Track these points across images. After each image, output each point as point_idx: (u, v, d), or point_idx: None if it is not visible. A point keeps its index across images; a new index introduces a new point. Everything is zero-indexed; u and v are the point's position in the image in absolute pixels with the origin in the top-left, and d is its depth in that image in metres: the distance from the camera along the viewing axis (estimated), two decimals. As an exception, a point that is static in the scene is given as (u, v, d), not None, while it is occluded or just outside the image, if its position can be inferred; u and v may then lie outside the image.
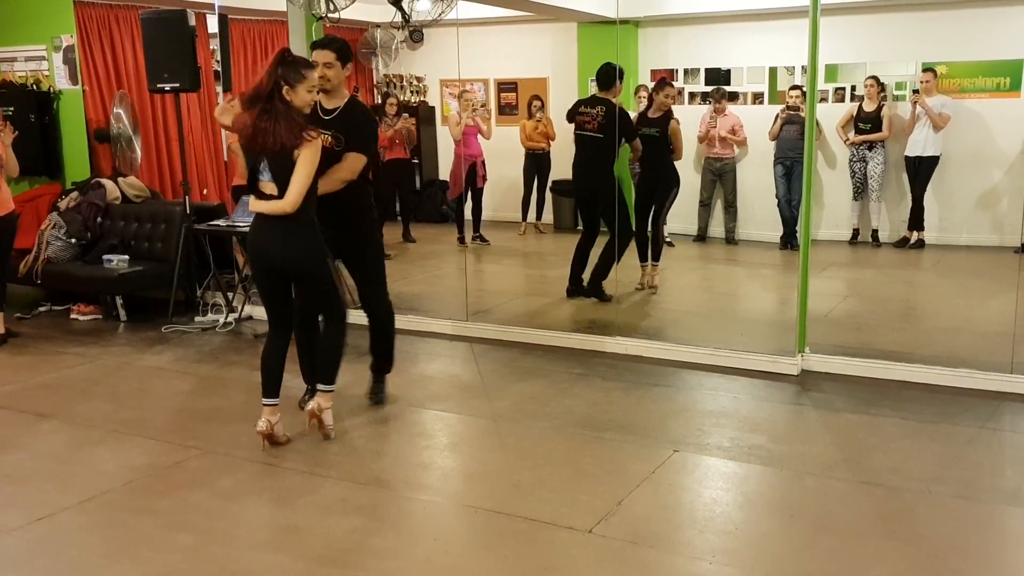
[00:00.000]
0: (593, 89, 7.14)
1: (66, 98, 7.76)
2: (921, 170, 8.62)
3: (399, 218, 10.14)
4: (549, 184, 10.14)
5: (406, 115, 10.06)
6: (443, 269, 8.87)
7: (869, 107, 8.88)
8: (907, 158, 8.73)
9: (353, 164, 4.33)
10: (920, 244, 8.71)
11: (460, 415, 4.73)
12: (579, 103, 6.92)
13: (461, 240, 9.54)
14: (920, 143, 8.58)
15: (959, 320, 6.50)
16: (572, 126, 6.91)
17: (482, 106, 10.11)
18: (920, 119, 8.53)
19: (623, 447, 4.19)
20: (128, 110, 7.89)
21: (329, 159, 4.21)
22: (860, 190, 9.00)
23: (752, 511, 3.57)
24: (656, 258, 7.23)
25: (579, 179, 7.01)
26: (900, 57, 8.99)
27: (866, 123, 8.88)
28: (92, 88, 7.94)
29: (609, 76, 6.69)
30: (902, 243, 8.81)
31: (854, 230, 9.11)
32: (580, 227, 7.26)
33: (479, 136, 9.37)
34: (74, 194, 7.27)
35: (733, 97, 9.56)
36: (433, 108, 11.45)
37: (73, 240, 6.96)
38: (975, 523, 3.42)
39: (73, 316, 6.89)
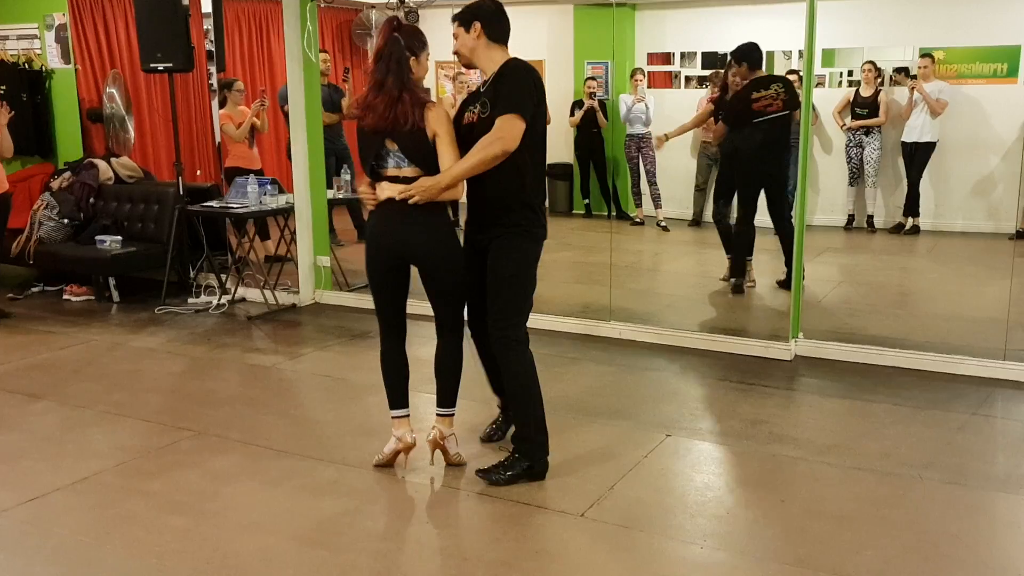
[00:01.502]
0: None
1: (58, 77, 7.71)
2: (917, 156, 8.60)
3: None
4: (545, 167, 10.09)
5: None
6: (438, 252, 8.83)
7: (866, 92, 8.86)
8: (903, 144, 8.71)
9: (500, 129, 3.42)
10: (915, 230, 8.71)
11: (453, 398, 4.72)
12: (749, 90, 6.40)
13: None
14: (917, 129, 8.56)
15: (953, 306, 6.51)
16: (730, 115, 6.55)
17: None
18: (917, 105, 8.51)
19: (616, 431, 4.19)
20: (121, 90, 7.84)
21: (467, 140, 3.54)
22: (856, 175, 8.99)
23: (743, 495, 3.58)
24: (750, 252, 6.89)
25: (760, 163, 6.46)
26: (898, 42, 8.96)
27: (863, 108, 8.86)
28: (85, 67, 7.89)
29: (760, 52, 6.44)
30: (897, 229, 8.81)
31: (849, 216, 9.11)
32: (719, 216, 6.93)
33: (474, 118, 9.32)
34: (67, 174, 7.23)
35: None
36: (428, 90, 11.37)
37: (66, 220, 6.93)
38: (966, 509, 3.43)
39: (66, 297, 6.87)
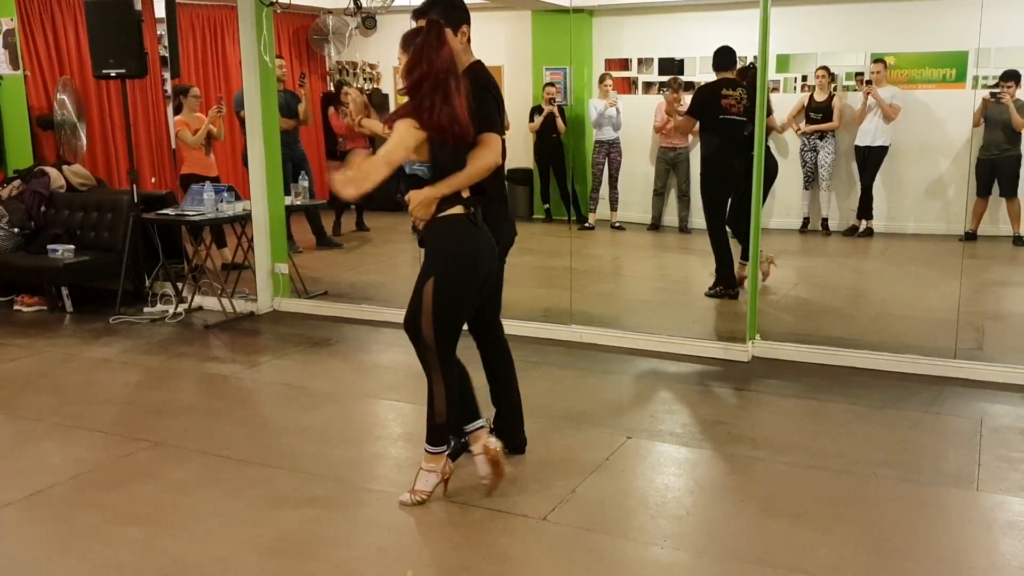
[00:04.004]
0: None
1: (7, 83, 7.55)
2: (870, 160, 8.76)
3: (352, 207, 10.07)
4: (504, 172, 10.12)
5: (366, 100, 9.95)
6: (398, 258, 8.81)
7: (820, 97, 9.01)
8: (857, 148, 8.87)
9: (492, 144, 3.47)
10: (869, 232, 8.86)
11: (414, 404, 4.70)
12: (718, 86, 6.47)
13: (415, 229, 9.48)
14: (870, 133, 8.72)
15: (905, 307, 6.64)
16: (699, 112, 6.54)
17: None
18: (871, 109, 8.67)
19: (577, 435, 4.21)
20: (72, 96, 7.71)
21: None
22: (811, 179, 9.13)
23: (703, 496, 3.62)
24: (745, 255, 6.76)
25: (732, 166, 6.37)
26: (850, 48, 9.12)
27: (817, 113, 9.00)
28: (34, 73, 7.74)
29: (732, 56, 6.48)
30: (851, 231, 8.96)
31: (804, 219, 9.24)
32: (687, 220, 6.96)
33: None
34: (16, 182, 7.09)
35: (688, 87, 9.63)
36: (387, 96, 11.36)
37: (16, 230, 6.79)
38: (918, 505, 3.50)
39: (17, 308, 6.73)
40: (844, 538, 3.23)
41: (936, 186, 8.86)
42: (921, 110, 8.79)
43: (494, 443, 3.52)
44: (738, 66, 6.61)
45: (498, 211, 3.67)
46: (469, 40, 3.70)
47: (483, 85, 3.53)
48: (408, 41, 3.37)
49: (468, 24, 3.67)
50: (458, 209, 3.36)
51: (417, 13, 3.60)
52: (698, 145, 9.45)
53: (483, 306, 3.63)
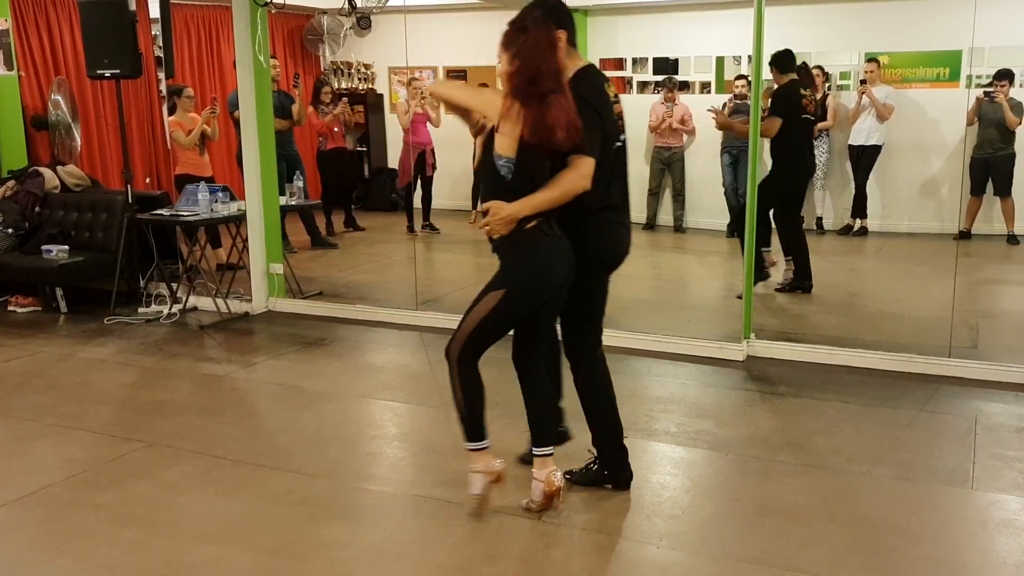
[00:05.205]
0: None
1: (1, 84, 7.53)
2: (864, 159, 8.78)
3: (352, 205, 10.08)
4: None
5: (345, 99, 9.95)
6: (393, 258, 8.82)
7: (814, 96, 9.02)
8: (850, 147, 8.88)
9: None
10: (863, 231, 8.88)
11: (409, 404, 4.71)
12: (796, 87, 6.52)
13: (410, 229, 9.49)
14: (864, 132, 8.74)
15: (900, 306, 6.65)
16: (785, 112, 6.47)
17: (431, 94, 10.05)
18: (865, 109, 8.68)
19: (572, 434, 4.20)
20: (67, 96, 7.69)
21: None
22: (805, 178, 9.13)
23: (698, 495, 3.62)
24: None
25: (809, 164, 6.78)
26: (844, 47, 9.14)
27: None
28: (29, 74, 7.74)
29: (795, 57, 6.56)
30: (845, 230, 8.98)
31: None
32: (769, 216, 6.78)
33: (428, 124, 9.33)
34: (11, 183, 7.07)
35: (683, 86, 9.65)
36: (381, 96, 11.36)
37: (10, 230, 6.78)
38: (913, 503, 3.51)
39: (11, 308, 6.71)
40: (839, 537, 3.24)
41: (930, 185, 8.89)
42: (914, 109, 8.81)
43: (559, 480, 3.37)
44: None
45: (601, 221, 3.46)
46: (572, 43, 3.39)
47: (583, 96, 3.25)
48: (511, 40, 3.17)
49: (567, 30, 3.33)
50: (532, 223, 3.20)
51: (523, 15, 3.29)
52: (692, 144, 9.52)
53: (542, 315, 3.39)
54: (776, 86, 6.59)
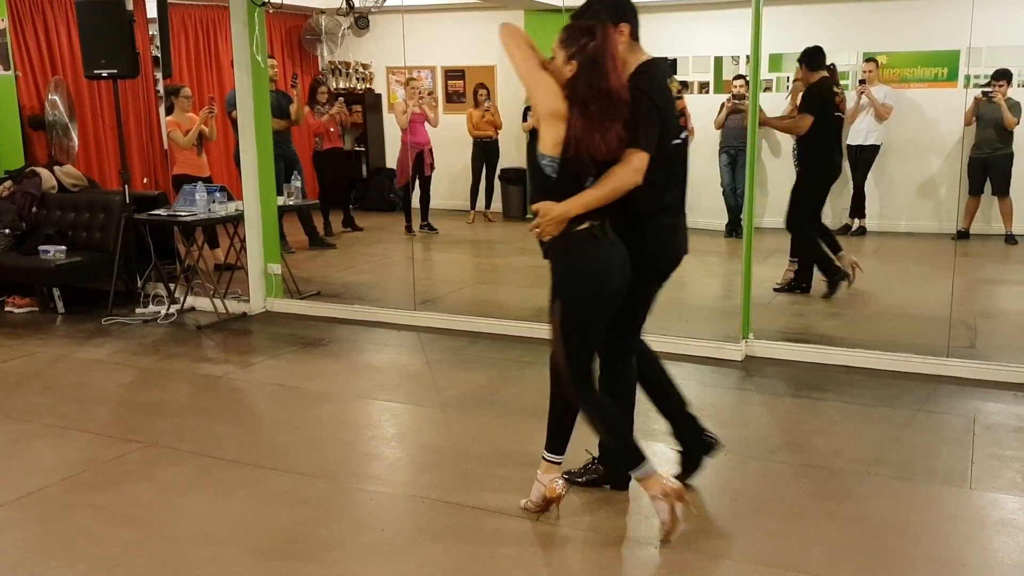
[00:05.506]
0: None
1: (-2, 84, 7.54)
2: (863, 158, 8.78)
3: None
4: (498, 172, 10.14)
5: (341, 99, 9.95)
6: (391, 258, 8.81)
7: (812, 96, 9.01)
8: (849, 147, 8.87)
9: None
10: (862, 231, 8.88)
11: (407, 404, 4.71)
12: (828, 84, 6.50)
13: (408, 229, 9.49)
14: (862, 132, 8.73)
15: (898, 305, 6.66)
16: (817, 109, 6.45)
17: (428, 94, 10.05)
18: (864, 108, 8.68)
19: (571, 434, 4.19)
20: (64, 96, 7.69)
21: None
22: (803, 178, 9.13)
23: (697, 495, 3.61)
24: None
25: (839, 162, 6.77)
26: (842, 47, 9.13)
27: (809, 112, 9.01)
28: (26, 73, 7.72)
29: (825, 55, 6.55)
30: (844, 230, 8.97)
31: (798, 217, 9.25)
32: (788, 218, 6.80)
33: (426, 124, 9.33)
34: (8, 183, 7.06)
35: (683, 86, 9.64)
36: (379, 96, 11.36)
37: (8, 230, 6.77)
38: (912, 503, 3.51)
39: (8, 308, 6.71)
40: (838, 536, 3.23)
41: (928, 185, 8.89)
42: (913, 109, 8.81)
43: (561, 488, 3.31)
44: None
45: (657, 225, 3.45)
46: (635, 37, 3.33)
47: (643, 90, 3.15)
48: (572, 39, 3.08)
49: (630, 23, 3.30)
50: (584, 224, 3.12)
51: (587, 7, 3.27)
52: (690, 144, 9.49)
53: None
54: (796, 81, 6.59)
